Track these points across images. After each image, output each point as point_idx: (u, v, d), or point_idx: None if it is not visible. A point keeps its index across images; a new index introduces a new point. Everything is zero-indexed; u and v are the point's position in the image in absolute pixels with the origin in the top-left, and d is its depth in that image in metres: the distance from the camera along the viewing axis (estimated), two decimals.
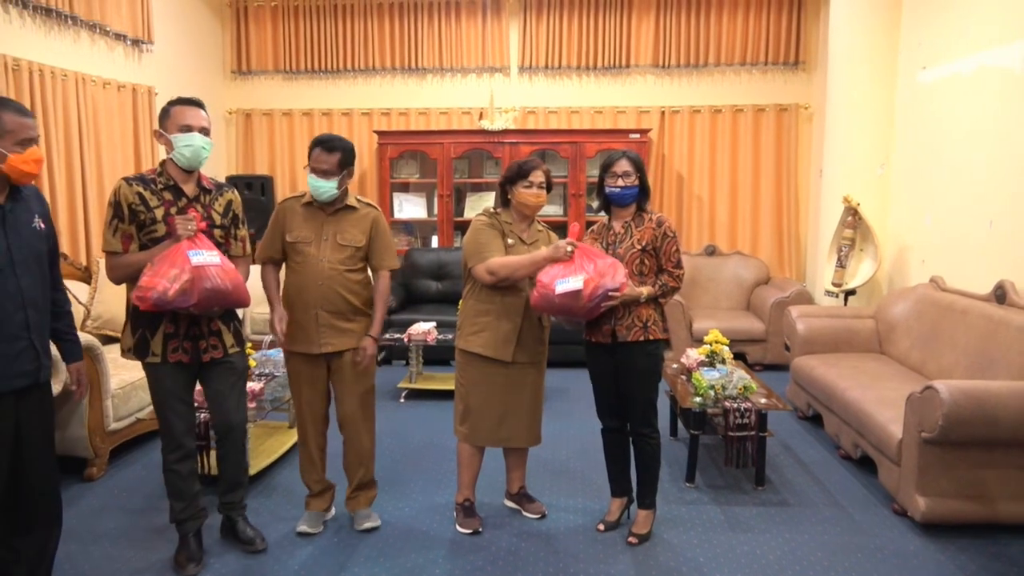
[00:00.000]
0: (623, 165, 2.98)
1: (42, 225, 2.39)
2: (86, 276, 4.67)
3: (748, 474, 3.72)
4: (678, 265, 3.02)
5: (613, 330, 2.99)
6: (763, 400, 3.65)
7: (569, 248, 2.82)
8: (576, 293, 2.73)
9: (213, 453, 3.34)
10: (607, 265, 2.80)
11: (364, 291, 3.09)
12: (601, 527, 3.21)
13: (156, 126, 2.81)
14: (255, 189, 6.62)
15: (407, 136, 6.73)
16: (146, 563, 2.93)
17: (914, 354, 4.27)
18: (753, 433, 3.53)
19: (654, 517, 3.19)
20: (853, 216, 5.21)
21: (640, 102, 6.85)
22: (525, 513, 3.35)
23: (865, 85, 5.26)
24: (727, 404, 3.57)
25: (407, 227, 7.05)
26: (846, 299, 5.30)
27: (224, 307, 2.76)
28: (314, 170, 2.95)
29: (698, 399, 3.65)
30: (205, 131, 2.76)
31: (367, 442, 3.18)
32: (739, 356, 5.73)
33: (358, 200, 3.09)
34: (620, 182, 2.99)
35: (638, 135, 6.45)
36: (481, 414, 3.11)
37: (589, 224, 4.36)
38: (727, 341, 4.07)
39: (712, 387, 3.65)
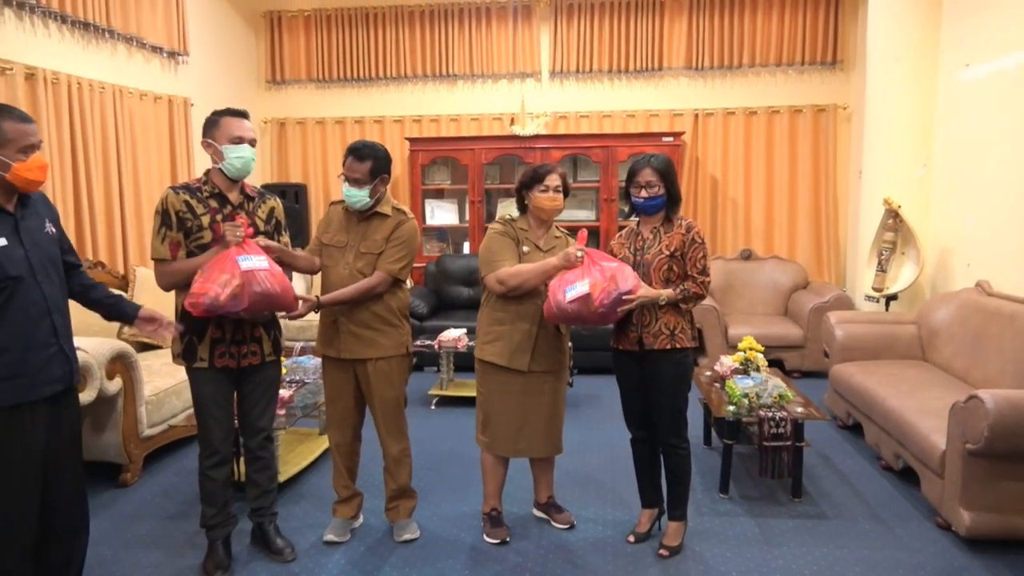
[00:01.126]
0: (647, 175, 2.90)
1: (52, 230, 2.40)
2: (123, 284, 4.75)
3: (784, 485, 3.62)
4: (703, 272, 2.94)
5: (640, 338, 2.93)
6: (799, 409, 3.55)
7: (579, 254, 2.76)
8: (585, 298, 2.67)
9: (242, 459, 3.35)
10: (615, 268, 2.73)
11: (391, 300, 3.05)
12: (631, 539, 3.15)
13: (195, 136, 2.87)
14: (289, 197, 6.69)
15: (438, 142, 6.74)
16: (175, 570, 2.95)
17: (958, 361, 4.12)
18: (789, 443, 3.43)
19: (685, 529, 3.12)
20: (894, 219, 5.06)
21: (673, 105, 6.77)
22: (553, 523, 3.30)
23: (905, 84, 5.11)
24: (762, 413, 3.48)
25: (440, 233, 7.06)
26: (887, 304, 5.15)
27: (274, 310, 2.78)
28: (347, 179, 2.95)
29: (732, 408, 3.57)
30: (253, 142, 2.80)
31: (396, 451, 3.15)
32: (776, 363, 5.61)
33: (394, 208, 3.07)
34: (644, 193, 2.92)
35: (671, 138, 6.36)
36: (499, 424, 3.06)
37: (622, 229, 4.29)
38: (762, 348, 3.97)
39: (746, 395, 3.57)
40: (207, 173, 2.81)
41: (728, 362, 4.02)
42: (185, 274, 2.66)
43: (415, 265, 6.72)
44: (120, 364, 3.68)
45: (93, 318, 4.13)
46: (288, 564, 2.98)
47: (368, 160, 2.94)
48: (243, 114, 2.80)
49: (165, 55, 5.65)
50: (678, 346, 2.92)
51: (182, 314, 2.75)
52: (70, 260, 2.49)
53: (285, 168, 7.24)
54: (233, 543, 3.03)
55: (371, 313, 3.00)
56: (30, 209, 2.33)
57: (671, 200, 2.96)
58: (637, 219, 3.07)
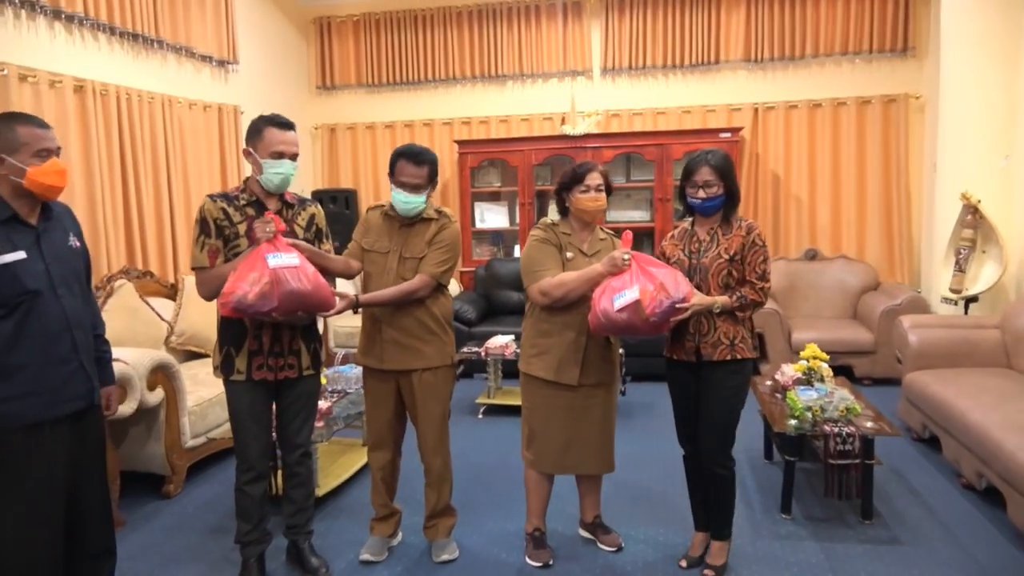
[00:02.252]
0: (704, 174, 2.69)
1: (77, 243, 2.37)
2: (172, 293, 4.77)
3: (853, 505, 3.34)
4: (763, 277, 2.70)
5: (697, 348, 2.73)
6: (869, 424, 3.27)
7: (625, 258, 2.57)
8: (635, 305, 2.47)
9: (280, 474, 3.28)
10: (665, 274, 2.53)
11: (434, 307, 2.92)
12: (683, 563, 2.94)
13: (243, 143, 2.77)
14: (339, 203, 6.68)
15: (487, 144, 6.62)
16: None
17: None
18: (857, 461, 3.16)
19: (730, 547, 2.91)
20: (973, 214, 4.69)
21: (731, 99, 6.47)
22: (600, 545, 3.11)
23: (985, 69, 4.73)
24: (827, 428, 3.22)
25: (494, 237, 6.93)
26: (967, 307, 4.77)
27: (308, 310, 2.65)
28: (402, 184, 2.81)
29: (793, 422, 3.31)
30: (294, 156, 2.70)
31: (438, 467, 3.01)
32: (844, 370, 5.29)
33: (436, 210, 2.94)
34: (701, 193, 2.71)
35: (729, 134, 6.09)
36: (545, 440, 2.89)
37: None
38: (826, 357, 3.69)
39: (809, 408, 3.31)
40: (246, 181, 2.74)
41: (790, 371, 3.76)
42: (222, 280, 2.57)
43: (464, 269, 6.67)
44: (162, 375, 3.65)
45: (137, 328, 4.24)
46: None
47: (426, 165, 2.83)
48: (288, 125, 2.69)
49: (215, 64, 5.68)
50: (738, 356, 2.71)
51: (221, 325, 2.70)
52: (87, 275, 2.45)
53: (336, 174, 7.23)
54: (269, 561, 2.95)
55: (414, 320, 2.87)
56: (53, 222, 2.28)
57: (730, 200, 2.74)
58: (691, 219, 2.86)
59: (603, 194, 2.83)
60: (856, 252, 6.28)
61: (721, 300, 2.67)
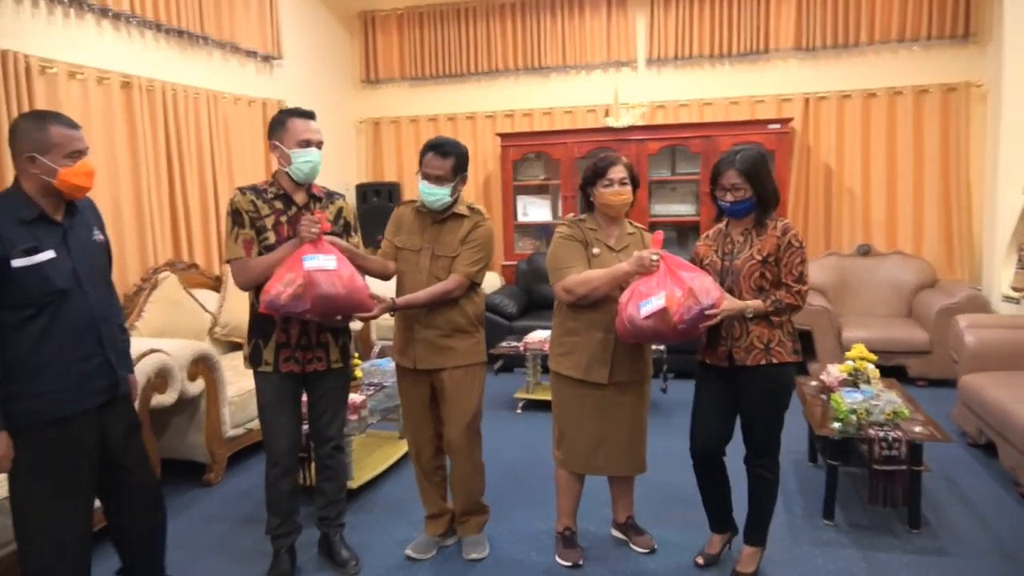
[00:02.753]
0: (731, 177, 2.58)
1: (100, 237, 2.39)
2: (216, 285, 4.85)
3: (900, 513, 3.20)
4: (800, 280, 2.59)
5: (730, 352, 2.63)
6: (918, 428, 3.13)
7: (654, 258, 2.48)
8: (662, 313, 2.40)
9: (312, 465, 3.30)
10: (696, 279, 2.45)
11: (467, 306, 2.88)
12: (700, 560, 2.88)
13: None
14: (383, 196, 6.70)
15: (529, 137, 6.56)
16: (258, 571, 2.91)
17: None
18: (904, 467, 3.03)
19: (763, 555, 2.81)
20: None
21: (781, 89, 6.27)
22: (632, 547, 3.04)
23: None
24: (872, 432, 3.09)
25: (535, 231, 6.86)
26: None
27: (343, 313, 2.66)
28: (426, 176, 2.79)
29: (837, 425, 3.18)
30: (320, 144, 2.72)
31: (467, 468, 2.98)
32: (897, 370, 5.10)
33: (469, 208, 2.90)
34: (728, 196, 2.61)
35: (778, 125, 5.91)
36: (575, 439, 2.83)
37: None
38: (873, 357, 3.54)
39: (854, 411, 3.18)
40: (274, 175, 2.75)
41: (836, 372, 3.62)
42: (258, 272, 2.60)
43: (506, 263, 6.64)
44: (202, 366, 3.71)
45: (180, 319, 4.32)
46: None
47: (451, 157, 2.79)
48: (310, 115, 2.71)
49: (259, 59, 5.75)
50: (774, 361, 2.60)
51: (252, 316, 2.72)
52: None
53: (380, 167, 7.27)
54: (300, 552, 2.98)
55: (446, 320, 2.84)
56: (78, 217, 2.31)
57: (762, 202, 2.62)
58: (725, 219, 2.77)
59: (627, 188, 2.74)
60: (912, 247, 6.03)
61: (753, 305, 2.57)
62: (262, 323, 2.69)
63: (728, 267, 2.64)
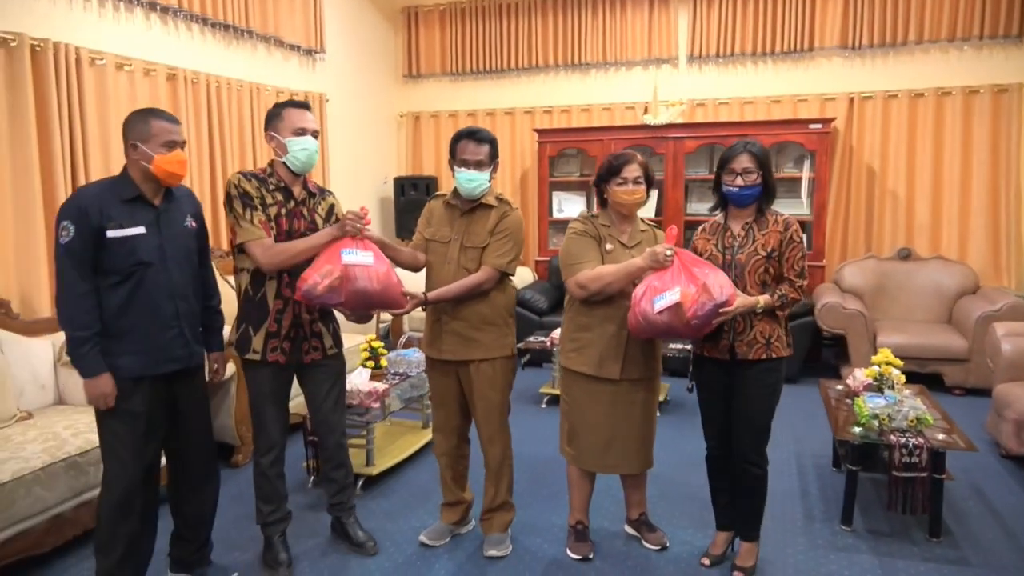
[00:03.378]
0: (743, 161, 2.59)
1: (193, 224, 2.62)
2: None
3: (921, 521, 3.14)
4: (801, 274, 2.62)
5: (731, 346, 2.64)
6: (940, 436, 3.07)
7: (668, 253, 2.49)
8: (676, 307, 2.40)
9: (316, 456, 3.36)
10: (710, 275, 2.44)
11: (498, 298, 2.90)
12: (706, 561, 2.89)
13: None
14: (420, 189, 6.78)
15: (566, 133, 6.56)
16: (254, 556, 2.99)
17: None
18: (924, 475, 2.97)
19: (759, 549, 2.84)
20: None
21: (825, 88, 6.16)
22: (645, 543, 3.05)
23: None
24: (893, 438, 3.03)
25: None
26: None
27: (375, 308, 2.73)
28: (465, 163, 2.80)
29: (858, 429, 3.14)
30: (316, 134, 2.75)
31: (497, 460, 3.01)
32: (932, 378, 4.98)
33: (497, 198, 2.91)
34: (739, 180, 2.60)
35: (819, 125, 5.79)
36: (586, 437, 2.84)
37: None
38: (900, 363, 3.48)
39: (876, 416, 3.13)
40: (271, 165, 2.77)
41: (861, 376, 3.57)
42: (291, 254, 2.62)
43: (540, 259, 6.66)
44: (224, 354, 3.82)
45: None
46: (364, 560, 2.96)
47: (486, 143, 2.83)
48: (305, 106, 2.77)
49: (302, 52, 5.88)
50: (774, 355, 2.62)
51: (242, 302, 2.76)
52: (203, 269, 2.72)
53: (419, 161, 7.36)
54: (308, 538, 3.08)
55: (476, 312, 2.86)
56: (174, 204, 2.57)
57: (769, 192, 2.63)
58: (723, 212, 2.76)
59: (641, 187, 2.74)
60: (957, 253, 5.86)
61: (764, 300, 2.57)
62: (255, 311, 2.73)
63: (731, 261, 2.64)
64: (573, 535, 3.02)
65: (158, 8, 4.51)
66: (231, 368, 3.80)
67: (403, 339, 4.41)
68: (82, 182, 3.89)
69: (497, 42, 6.95)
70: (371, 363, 3.92)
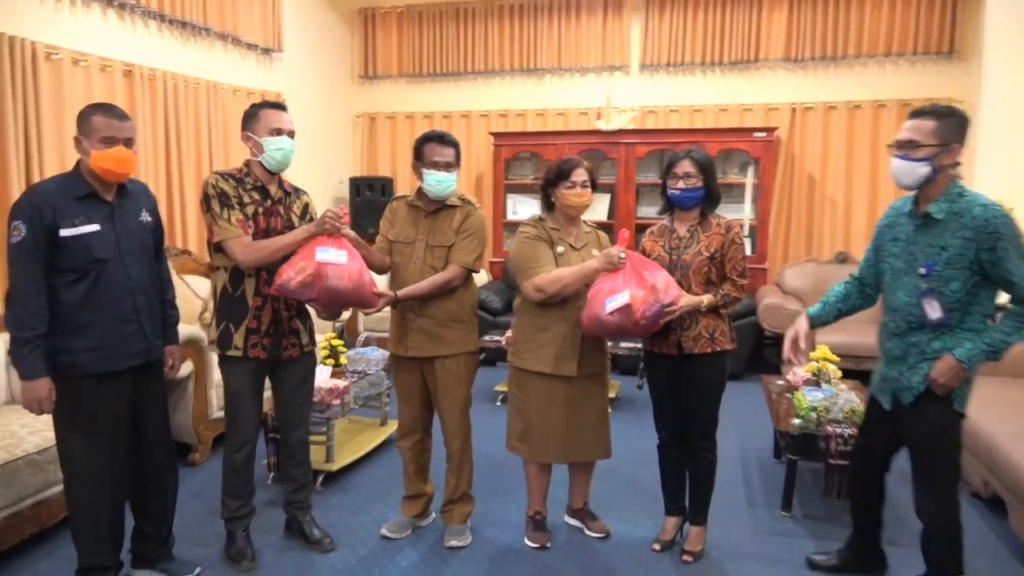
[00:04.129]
0: (685, 166, 2.78)
1: (149, 218, 2.62)
2: (207, 272, 4.97)
3: None
4: (743, 275, 2.82)
5: (679, 341, 2.81)
6: None
7: (622, 255, 2.63)
8: (626, 309, 2.55)
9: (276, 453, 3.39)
10: (658, 277, 2.60)
11: (464, 296, 2.99)
12: (656, 547, 3.05)
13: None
14: (376, 190, 6.83)
15: (521, 137, 6.71)
16: (217, 551, 3.03)
17: None
18: None
19: (706, 534, 3.03)
20: None
21: (769, 99, 6.43)
22: (588, 532, 3.20)
23: None
24: (829, 429, 3.24)
25: None
26: (993, 316, 4.68)
27: (347, 306, 2.81)
28: (434, 164, 2.87)
29: (797, 421, 3.34)
30: (292, 134, 2.80)
31: (457, 450, 3.10)
32: (867, 374, 5.20)
33: (460, 198, 3.00)
34: (681, 184, 2.79)
35: (764, 134, 6.06)
36: (544, 432, 2.95)
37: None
38: (837, 359, 3.70)
39: (814, 409, 3.33)
40: (247, 165, 2.81)
41: (801, 372, 3.77)
42: (269, 251, 2.66)
43: (494, 260, 6.77)
44: (192, 348, 3.84)
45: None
46: (326, 554, 3.01)
47: (452, 145, 2.92)
48: (281, 107, 2.82)
49: (260, 51, 5.89)
50: (718, 349, 2.81)
51: (221, 300, 2.79)
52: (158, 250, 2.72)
53: (375, 161, 7.41)
54: (268, 534, 3.12)
55: (443, 309, 2.94)
56: (128, 199, 2.56)
57: (711, 196, 2.82)
58: (671, 215, 2.93)
59: (588, 190, 2.87)
60: None
61: (708, 300, 2.75)
62: (234, 308, 2.77)
63: (676, 261, 2.81)
64: (531, 525, 3.14)
65: (115, 4, 4.49)
66: (188, 366, 3.81)
67: (362, 337, 4.47)
68: (36, 179, 3.86)
69: (454, 46, 7.05)
70: (331, 360, 3.97)
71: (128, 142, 2.44)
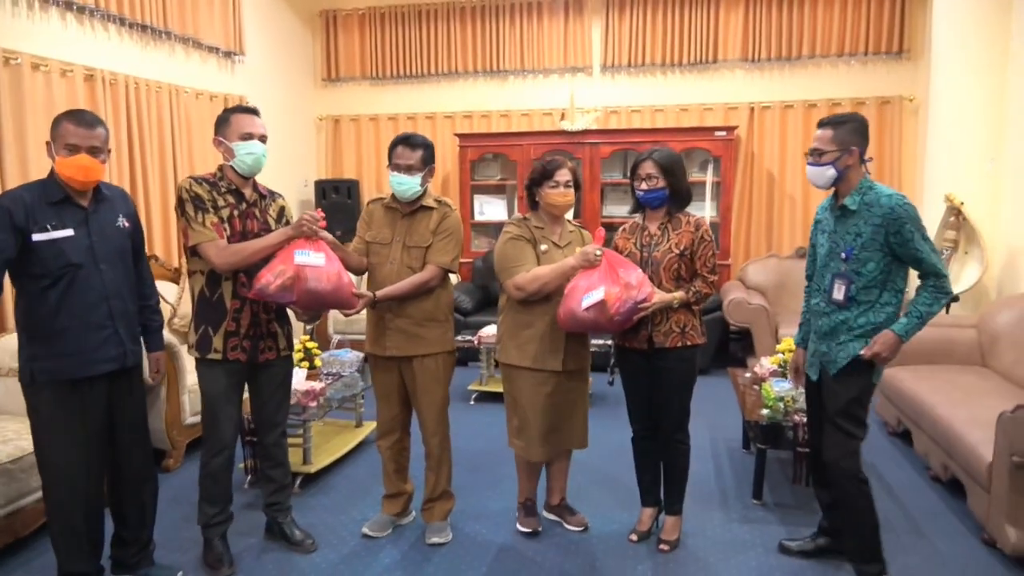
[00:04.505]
0: (647, 167, 2.87)
1: (126, 224, 2.62)
2: (175, 277, 4.92)
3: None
4: (713, 271, 2.92)
5: (650, 336, 2.89)
6: None
7: (598, 253, 2.71)
8: (600, 305, 2.63)
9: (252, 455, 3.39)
10: (632, 274, 2.69)
11: (441, 295, 3.03)
12: (634, 537, 3.13)
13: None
14: (342, 192, 6.81)
15: (487, 138, 6.75)
16: (195, 557, 3.01)
17: (1020, 369, 3.88)
18: None
19: (681, 523, 3.13)
20: (956, 216, 4.80)
21: (728, 98, 6.58)
22: (567, 525, 3.26)
23: (972, 74, 4.85)
24: (796, 418, 3.35)
25: (492, 229, 7.03)
26: (948, 307, 4.88)
27: (327, 308, 2.85)
28: (397, 167, 2.92)
29: (766, 411, 3.44)
30: (263, 138, 2.81)
31: (438, 450, 3.13)
32: None
33: (436, 200, 3.05)
34: (644, 185, 2.88)
35: (724, 132, 6.19)
36: (533, 426, 3.00)
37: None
38: None
39: (782, 399, 3.44)
40: (220, 169, 2.82)
41: (767, 364, 3.89)
42: (245, 254, 2.68)
43: (463, 260, 6.78)
44: (163, 353, 3.79)
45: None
46: (308, 554, 3.03)
47: (420, 148, 2.95)
48: (253, 111, 2.84)
49: (221, 55, 5.83)
50: (688, 343, 2.90)
51: (199, 304, 2.79)
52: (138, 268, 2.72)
53: (339, 164, 7.38)
54: (247, 537, 3.13)
55: (419, 309, 2.97)
56: (105, 204, 2.56)
57: (676, 196, 2.91)
58: (641, 214, 3.01)
59: (571, 190, 2.95)
60: None
61: (679, 296, 2.84)
62: (212, 312, 2.77)
63: (648, 258, 2.89)
64: (523, 511, 3.22)
65: (74, 8, 4.41)
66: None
67: (334, 341, 4.47)
68: None
69: (417, 47, 7.05)
70: (306, 363, 3.98)
71: (93, 150, 2.43)
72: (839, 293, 2.62)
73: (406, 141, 2.96)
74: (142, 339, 2.75)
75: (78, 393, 2.47)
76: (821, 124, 2.63)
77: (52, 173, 2.47)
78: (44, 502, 2.58)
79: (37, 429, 2.50)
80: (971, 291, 4.79)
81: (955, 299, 4.84)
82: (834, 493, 2.79)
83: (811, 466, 3.06)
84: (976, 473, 3.09)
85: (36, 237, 2.36)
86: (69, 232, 2.41)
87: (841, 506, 2.77)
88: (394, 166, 2.94)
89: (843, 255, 2.60)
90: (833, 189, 2.66)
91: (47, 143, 2.44)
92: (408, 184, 2.93)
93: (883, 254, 2.54)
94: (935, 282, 2.55)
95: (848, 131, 2.57)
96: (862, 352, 2.57)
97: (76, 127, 2.40)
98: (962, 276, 4.83)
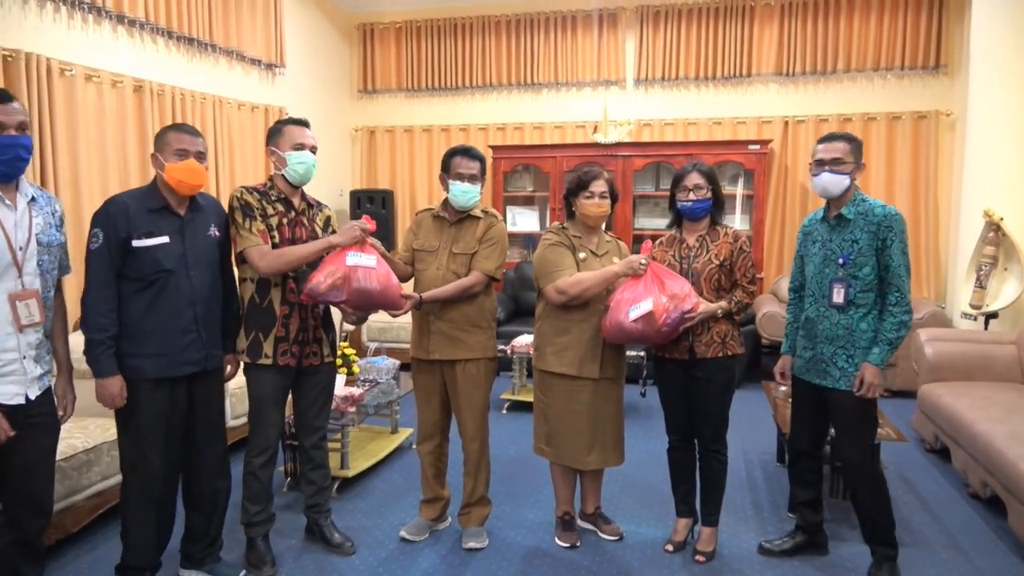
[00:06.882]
0: (694, 178, 2.91)
1: (217, 233, 2.73)
2: None
3: None
4: (752, 281, 2.95)
5: (691, 347, 2.91)
6: None
7: (644, 262, 2.74)
8: (648, 316, 2.66)
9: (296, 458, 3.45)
10: (678, 285, 2.73)
11: (484, 302, 3.09)
12: (669, 548, 3.13)
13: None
14: (376, 202, 6.91)
15: (520, 150, 6.82)
16: (238, 557, 3.06)
17: None
18: None
19: (717, 534, 3.13)
20: (995, 232, 4.76)
21: (762, 112, 6.59)
22: (601, 535, 3.27)
23: (1011, 88, 4.80)
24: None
25: (524, 240, 7.11)
26: (987, 323, 4.84)
27: (375, 307, 2.92)
28: (460, 176, 3.01)
29: None
30: (314, 149, 2.92)
31: (476, 452, 3.17)
32: None
33: (483, 211, 3.13)
34: (691, 196, 2.92)
35: (758, 146, 6.20)
36: (568, 435, 3.03)
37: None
38: None
39: None
40: (271, 179, 2.92)
41: None
42: (289, 259, 2.75)
43: None
44: (236, 357, 3.87)
45: None
46: (347, 557, 3.08)
47: (478, 159, 3.05)
48: (304, 123, 2.94)
49: (263, 67, 5.97)
50: (729, 353, 2.93)
51: (249, 310, 2.86)
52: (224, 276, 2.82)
53: (374, 175, 7.49)
54: (288, 537, 3.18)
55: (461, 314, 3.04)
56: (199, 213, 2.68)
57: (717, 204, 2.96)
58: (678, 227, 3.05)
59: (607, 200, 3.00)
60: None
61: (723, 306, 2.88)
62: (262, 318, 2.84)
63: (688, 269, 2.93)
64: (561, 525, 3.23)
65: (125, 21, 4.56)
66: None
67: (371, 348, 4.54)
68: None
69: (452, 60, 7.16)
70: (344, 369, 4.04)
71: (199, 155, 2.60)
72: (839, 296, 2.75)
73: (467, 152, 3.05)
74: (225, 336, 2.83)
75: (160, 391, 2.58)
76: (835, 137, 2.77)
77: (154, 182, 2.61)
78: (121, 495, 2.70)
79: (119, 422, 2.63)
80: (1010, 307, 4.74)
81: (994, 316, 4.79)
82: (858, 498, 2.91)
83: (791, 460, 3.15)
84: (1017, 490, 3.06)
85: (136, 243, 2.50)
86: (165, 239, 2.54)
87: (861, 503, 2.90)
88: (457, 175, 3.01)
89: (840, 260, 2.74)
90: (825, 201, 2.85)
91: (152, 155, 2.60)
92: (472, 192, 3.02)
93: (876, 260, 2.71)
94: (897, 299, 2.69)
95: (857, 148, 2.77)
96: (856, 393, 2.73)
97: (183, 135, 2.57)
98: (1001, 293, 4.78)
